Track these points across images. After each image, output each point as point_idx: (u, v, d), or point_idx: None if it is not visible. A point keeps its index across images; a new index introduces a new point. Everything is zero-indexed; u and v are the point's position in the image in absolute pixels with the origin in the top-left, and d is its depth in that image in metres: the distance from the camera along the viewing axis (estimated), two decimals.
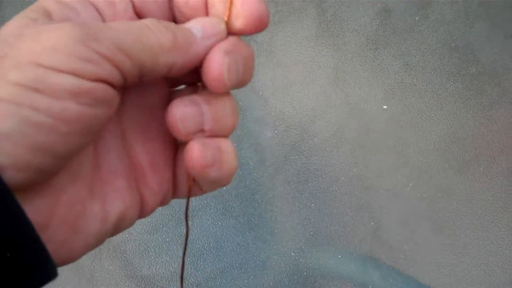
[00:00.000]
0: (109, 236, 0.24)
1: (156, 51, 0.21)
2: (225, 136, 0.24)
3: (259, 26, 0.23)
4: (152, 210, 0.26)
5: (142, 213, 0.25)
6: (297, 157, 0.83)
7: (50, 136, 0.18)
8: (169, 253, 0.80)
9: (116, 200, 0.23)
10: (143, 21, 0.21)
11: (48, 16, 0.20)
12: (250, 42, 0.88)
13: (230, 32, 0.24)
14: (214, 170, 0.23)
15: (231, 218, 0.81)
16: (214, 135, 0.24)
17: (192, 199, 0.26)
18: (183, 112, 0.23)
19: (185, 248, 0.29)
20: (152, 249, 0.80)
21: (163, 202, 0.26)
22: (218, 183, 0.24)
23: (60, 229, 0.20)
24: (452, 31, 0.88)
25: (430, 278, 0.78)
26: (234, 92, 0.24)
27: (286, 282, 0.78)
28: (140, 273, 0.79)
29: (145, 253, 0.80)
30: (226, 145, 0.24)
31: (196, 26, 0.22)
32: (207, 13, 0.24)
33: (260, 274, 0.78)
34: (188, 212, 0.26)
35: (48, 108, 0.18)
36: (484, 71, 0.86)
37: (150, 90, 0.25)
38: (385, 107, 0.84)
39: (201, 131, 0.23)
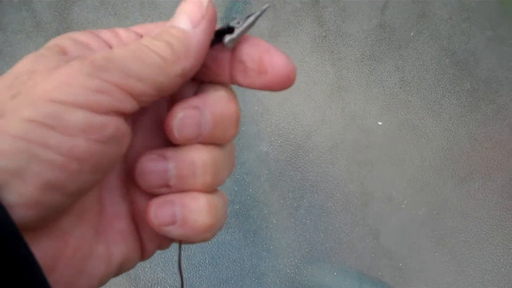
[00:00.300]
0: (112, 277, 0.23)
1: (161, 66, 0.21)
2: (198, 190, 0.23)
3: (286, 84, 0.23)
4: (152, 254, 0.25)
5: (142, 256, 0.25)
6: (292, 173, 0.83)
7: (61, 174, 0.18)
8: (166, 258, 0.80)
9: (120, 242, 0.23)
10: (141, 41, 0.21)
11: (63, 52, 0.21)
12: None
13: (238, 83, 0.23)
14: (175, 229, 0.22)
15: (227, 234, 0.81)
16: (181, 190, 0.23)
17: None
18: (147, 166, 0.22)
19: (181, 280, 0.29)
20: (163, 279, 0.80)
21: (162, 246, 0.26)
22: (189, 240, 0.23)
23: (67, 271, 0.20)
24: (447, 47, 0.88)
25: None
26: None
27: None
28: (139, 277, 0.79)
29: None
30: (194, 202, 0.22)
31: (183, 19, 0.22)
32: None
33: None
34: (181, 262, 0.26)
35: (59, 146, 0.18)
36: (479, 87, 0.86)
37: (156, 132, 0.25)
38: (380, 123, 0.85)
39: (166, 186, 0.23)
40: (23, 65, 0.19)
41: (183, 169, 0.22)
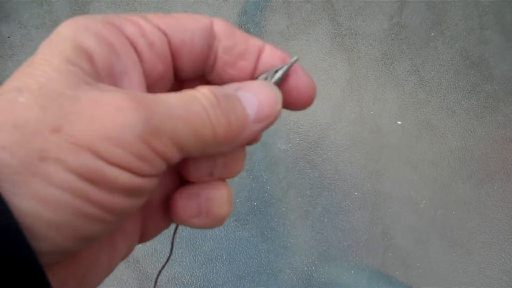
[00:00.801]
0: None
1: (208, 143, 0.20)
2: (224, 180, 0.23)
3: (306, 106, 0.23)
4: (151, 238, 0.25)
5: (140, 241, 0.25)
6: (310, 171, 0.83)
7: (96, 226, 0.18)
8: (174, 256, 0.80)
9: (123, 243, 0.23)
10: (202, 99, 0.20)
11: (90, 60, 0.19)
12: None
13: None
14: (198, 220, 0.23)
15: (244, 230, 0.81)
16: (204, 182, 0.23)
17: None
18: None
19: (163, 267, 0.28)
20: (160, 251, 0.81)
21: (163, 229, 0.26)
22: (205, 228, 0.23)
23: (69, 285, 0.20)
24: (467, 48, 0.88)
25: None
26: None
27: None
28: (146, 272, 0.80)
29: (154, 255, 0.81)
30: (218, 193, 0.23)
31: (252, 103, 0.21)
32: (254, 71, 0.23)
33: (273, 287, 0.79)
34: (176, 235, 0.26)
35: (101, 201, 0.17)
36: (499, 89, 0.86)
37: None
38: (399, 122, 0.85)
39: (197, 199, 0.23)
40: (56, 75, 0.18)
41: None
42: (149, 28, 0.20)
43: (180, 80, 0.23)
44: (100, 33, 0.19)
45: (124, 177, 0.18)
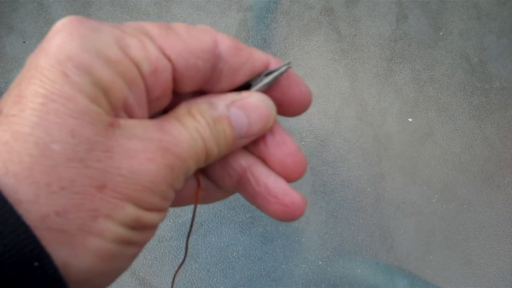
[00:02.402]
0: None
1: (202, 164, 0.22)
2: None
3: (302, 109, 0.25)
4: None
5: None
6: (323, 167, 0.85)
7: (131, 262, 0.20)
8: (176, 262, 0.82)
9: None
10: (202, 132, 0.21)
11: (107, 95, 0.18)
12: (266, 51, 0.90)
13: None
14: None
15: (259, 227, 0.82)
16: None
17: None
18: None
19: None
20: (160, 258, 0.82)
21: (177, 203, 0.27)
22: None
23: None
24: (475, 46, 0.90)
25: None
26: None
27: None
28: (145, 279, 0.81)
29: (153, 262, 0.82)
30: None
31: (241, 123, 0.22)
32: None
33: (288, 283, 0.80)
34: (189, 237, 0.28)
35: (139, 241, 0.20)
36: (507, 86, 0.88)
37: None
38: (410, 119, 0.86)
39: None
40: (84, 120, 0.17)
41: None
42: (154, 53, 0.19)
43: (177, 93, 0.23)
44: (114, 63, 0.18)
45: (156, 217, 0.20)
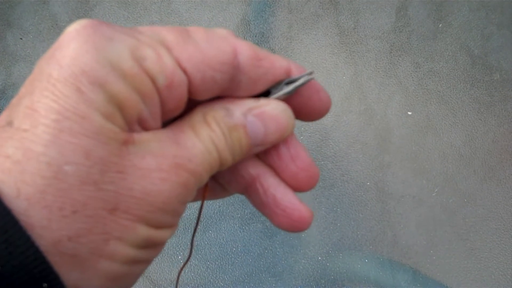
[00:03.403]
0: None
1: (214, 172, 0.21)
2: None
3: (321, 116, 0.24)
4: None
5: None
6: (322, 162, 0.84)
7: (137, 278, 0.20)
8: (178, 258, 0.81)
9: None
10: (215, 140, 0.20)
11: (122, 110, 0.18)
12: (265, 45, 0.90)
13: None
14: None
15: (259, 222, 0.82)
16: None
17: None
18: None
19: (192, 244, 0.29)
20: (162, 254, 0.82)
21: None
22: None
23: None
24: (476, 38, 0.89)
25: (457, 283, 0.79)
26: None
27: (314, 286, 0.79)
28: (151, 277, 0.81)
29: (156, 258, 0.82)
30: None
31: (258, 132, 0.21)
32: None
33: (288, 278, 0.80)
34: (195, 236, 0.27)
35: (147, 260, 0.19)
36: (508, 78, 0.87)
37: None
38: (409, 113, 0.86)
39: None
40: (99, 139, 0.17)
41: None
42: (170, 66, 0.19)
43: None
44: (129, 77, 0.18)
45: (167, 234, 0.20)
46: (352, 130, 0.85)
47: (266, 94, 0.22)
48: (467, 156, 0.84)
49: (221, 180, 0.24)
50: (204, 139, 0.20)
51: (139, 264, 0.19)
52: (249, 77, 0.21)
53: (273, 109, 0.21)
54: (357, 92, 0.87)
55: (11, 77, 0.90)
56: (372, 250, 0.81)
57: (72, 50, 0.17)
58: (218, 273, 0.80)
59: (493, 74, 0.87)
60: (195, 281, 0.80)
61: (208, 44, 0.20)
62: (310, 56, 0.89)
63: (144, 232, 0.18)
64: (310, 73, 0.22)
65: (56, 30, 0.92)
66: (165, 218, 0.19)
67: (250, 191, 0.23)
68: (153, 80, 0.18)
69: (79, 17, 0.92)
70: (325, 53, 0.89)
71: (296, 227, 0.23)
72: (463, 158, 0.84)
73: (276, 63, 0.21)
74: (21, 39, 0.92)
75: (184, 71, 0.19)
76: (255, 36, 0.90)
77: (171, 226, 0.20)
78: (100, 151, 0.17)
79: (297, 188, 0.23)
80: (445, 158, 0.84)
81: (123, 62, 0.17)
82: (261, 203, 0.23)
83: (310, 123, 0.86)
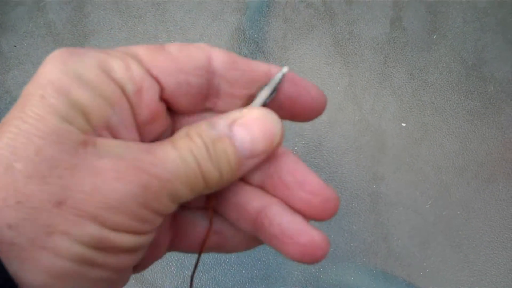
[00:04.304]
0: None
1: (201, 190, 0.20)
2: None
3: (318, 111, 0.23)
4: (146, 268, 0.25)
5: (136, 270, 0.24)
6: (316, 172, 0.84)
7: (100, 285, 0.19)
8: (178, 264, 0.81)
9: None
10: (194, 151, 0.20)
11: (86, 116, 0.18)
12: (259, 54, 0.90)
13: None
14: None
15: None
16: None
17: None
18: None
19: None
20: (165, 260, 0.81)
21: (157, 257, 0.25)
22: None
23: None
24: (470, 49, 0.89)
25: None
26: None
27: None
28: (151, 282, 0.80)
29: (157, 265, 0.81)
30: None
31: (245, 142, 0.20)
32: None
33: None
34: (194, 278, 0.25)
35: (107, 264, 0.18)
36: (502, 89, 0.87)
37: None
38: (403, 124, 0.86)
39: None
40: (52, 139, 0.17)
41: None
42: (138, 73, 0.19)
43: (178, 112, 0.22)
44: (94, 84, 0.19)
45: (128, 239, 0.18)
46: (346, 141, 0.85)
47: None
48: (461, 167, 0.84)
49: (229, 219, 0.23)
50: (182, 149, 0.19)
51: (97, 268, 0.18)
52: (227, 80, 0.21)
53: (255, 114, 0.21)
54: (351, 103, 0.87)
55: (5, 84, 0.90)
56: (365, 262, 0.80)
57: (46, 68, 0.19)
58: (211, 284, 0.80)
59: (487, 85, 0.87)
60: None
61: (181, 53, 0.20)
62: (305, 66, 0.89)
63: (95, 230, 0.17)
64: (282, 69, 0.22)
65: (51, 37, 0.92)
66: (121, 219, 0.18)
67: (258, 226, 0.22)
68: (122, 88, 0.19)
69: (73, 24, 0.92)
70: (320, 63, 0.89)
71: (308, 254, 0.21)
72: (457, 169, 0.84)
73: (253, 65, 0.21)
74: (15, 46, 0.92)
75: (156, 78, 0.20)
76: (250, 45, 0.90)
77: (135, 231, 0.18)
78: (51, 150, 0.17)
79: (313, 216, 0.22)
80: (439, 170, 0.84)
81: (89, 72, 0.18)
82: (270, 237, 0.22)
83: (303, 134, 0.86)
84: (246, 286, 0.80)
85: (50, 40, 0.92)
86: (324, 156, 0.85)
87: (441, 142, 0.85)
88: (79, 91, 0.18)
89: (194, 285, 0.80)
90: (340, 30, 0.91)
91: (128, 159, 0.18)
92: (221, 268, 0.80)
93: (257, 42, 0.90)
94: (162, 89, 0.20)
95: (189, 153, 0.19)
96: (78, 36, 0.91)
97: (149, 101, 0.20)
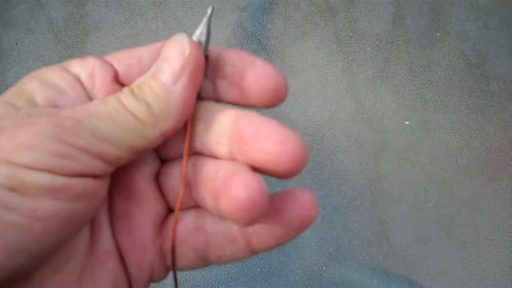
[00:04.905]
0: None
1: (138, 130, 0.19)
2: None
3: (276, 100, 0.21)
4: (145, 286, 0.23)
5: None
6: (319, 171, 0.84)
7: (23, 236, 0.17)
8: None
9: (106, 284, 0.21)
10: (118, 97, 0.19)
11: (31, 100, 0.19)
12: (262, 52, 0.89)
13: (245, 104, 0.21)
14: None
15: None
16: None
17: None
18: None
19: None
20: None
21: (154, 278, 0.24)
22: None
23: None
24: (473, 47, 0.89)
25: None
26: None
27: None
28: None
29: None
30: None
31: (165, 69, 0.20)
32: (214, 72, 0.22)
33: None
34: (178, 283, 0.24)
35: (20, 207, 0.17)
36: (505, 87, 0.86)
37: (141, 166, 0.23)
38: (407, 122, 0.85)
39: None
40: None
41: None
42: (91, 61, 0.21)
43: None
44: (44, 77, 0.20)
45: (44, 178, 0.17)
46: (348, 138, 0.85)
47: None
48: (464, 165, 0.84)
49: (199, 196, 0.22)
50: (107, 99, 0.20)
51: (11, 210, 0.17)
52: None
53: (167, 44, 0.21)
54: (354, 101, 0.87)
55: (6, 81, 0.89)
56: (368, 260, 0.80)
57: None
58: (213, 282, 0.80)
59: (490, 83, 0.87)
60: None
61: (140, 49, 0.22)
62: (307, 64, 0.89)
63: (6, 169, 0.17)
64: (213, 9, 0.22)
65: (52, 35, 0.91)
66: (34, 155, 0.17)
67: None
68: (76, 76, 0.21)
69: (75, 22, 0.92)
70: (322, 60, 0.89)
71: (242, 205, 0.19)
72: (460, 167, 0.83)
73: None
74: (16, 43, 0.92)
75: (109, 63, 0.21)
76: (252, 43, 0.90)
77: (55, 170, 0.17)
78: None
79: (279, 169, 0.19)
80: (442, 168, 0.83)
81: (45, 71, 0.21)
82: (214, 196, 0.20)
83: (306, 132, 0.85)
84: (249, 285, 0.80)
85: (51, 38, 0.91)
86: (327, 154, 0.85)
87: (444, 139, 0.85)
88: (29, 82, 0.20)
89: (196, 284, 0.80)
90: (343, 27, 0.91)
91: (50, 112, 0.18)
92: (222, 266, 0.80)
93: (260, 40, 0.90)
94: (116, 72, 0.21)
95: (112, 97, 0.20)
96: (79, 34, 0.91)
97: (102, 82, 0.21)
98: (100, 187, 0.19)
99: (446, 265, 0.80)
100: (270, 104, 0.21)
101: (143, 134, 0.19)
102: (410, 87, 0.87)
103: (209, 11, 0.21)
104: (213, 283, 0.79)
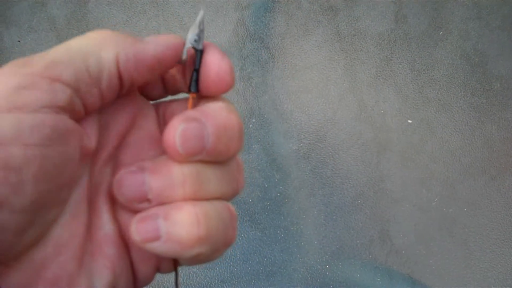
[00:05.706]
0: None
1: (92, 50, 0.20)
2: (185, 200, 0.20)
3: (220, 87, 0.21)
4: (150, 278, 0.23)
5: (137, 282, 0.22)
6: (322, 170, 0.84)
7: (0, 189, 0.16)
8: None
9: (105, 270, 0.20)
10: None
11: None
12: (264, 50, 0.89)
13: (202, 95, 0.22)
14: (160, 245, 0.19)
15: (258, 230, 0.82)
16: (163, 203, 0.20)
17: None
18: (124, 179, 0.20)
19: None
20: None
21: (161, 269, 0.23)
22: (181, 257, 0.20)
23: None
24: (476, 46, 0.89)
25: None
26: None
27: None
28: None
29: None
30: (178, 212, 0.19)
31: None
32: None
33: (287, 287, 0.79)
34: (179, 280, 0.24)
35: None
36: (508, 86, 0.87)
37: (147, 151, 0.23)
38: (410, 121, 0.85)
39: (147, 200, 0.20)
40: None
41: (159, 180, 0.20)
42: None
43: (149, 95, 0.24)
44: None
45: (9, 120, 0.16)
46: (351, 137, 0.85)
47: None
48: (467, 164, 0.84)
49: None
50: None
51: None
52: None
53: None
54: (356, 100, 0.87)
55: None
56: (371, 259, 0.80)
57: None
58: (216, 281, 0.80)
59: (492, 82, 0.87)
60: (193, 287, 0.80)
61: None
62: (310, 62, 0.89)
63: None
64: (203, 14, 0.22)
65: (54, 32, 0.91)
66: None
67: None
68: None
69: (77, 20, 0.91)
70: (325, 59, 0.89)
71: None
72: (463, 166, 0.84)
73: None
74: (18, 41, 0.91)
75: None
76: (254, 41, 0.90)
77: (11, 107, 0.16)
78: None
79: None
80: (445, 167, 0.84)
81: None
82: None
83: (309, 131, 0.85)
84: (252, 283, 0.80)
85: (53, 35, 0.91)
86: (329, 153, 0.85)
87: (447, 139, 0.85)
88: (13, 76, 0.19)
89: (200, 282, 0.80)
90: (345, 26, 0.90)
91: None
92: (226, 264, 0.80)
93: (262, 38, 0.90)
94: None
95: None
96: (81, 31, 0.91)
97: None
98: (72, 127, 0.18)
99: (449, 264, 0.80)
100: (216, 91, 0.21)
101: (97, 56, 0.19)
102: (412, 85, 0.87)
103: (200, 15, 0.22)
104: (216, 281, 0.80)
